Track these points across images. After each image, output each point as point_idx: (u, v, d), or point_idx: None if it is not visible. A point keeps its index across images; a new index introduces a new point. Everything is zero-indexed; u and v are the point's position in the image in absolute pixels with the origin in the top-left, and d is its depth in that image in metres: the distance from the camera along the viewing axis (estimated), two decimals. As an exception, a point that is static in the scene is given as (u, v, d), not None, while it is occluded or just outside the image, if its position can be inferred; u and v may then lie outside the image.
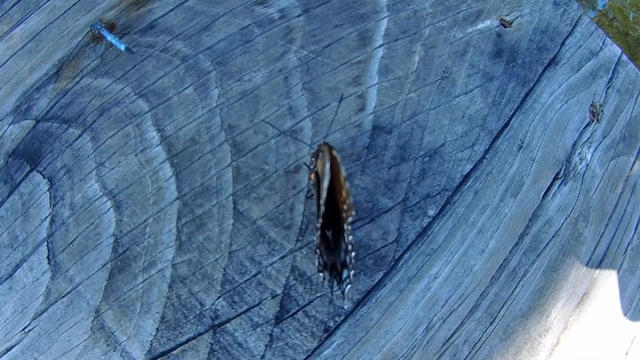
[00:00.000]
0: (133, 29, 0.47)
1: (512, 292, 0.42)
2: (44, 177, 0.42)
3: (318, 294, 0.38)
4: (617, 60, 0.51)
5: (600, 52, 0.51)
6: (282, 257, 0.39)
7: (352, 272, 0.34)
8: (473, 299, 0.40)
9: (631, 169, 0.49)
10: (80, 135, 0.44)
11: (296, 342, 0.37)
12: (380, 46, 0.48)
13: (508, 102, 0.47)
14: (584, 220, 0.45)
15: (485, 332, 0.40)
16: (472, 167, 0.44)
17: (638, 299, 0.46)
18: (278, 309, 0.37)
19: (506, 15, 0.51)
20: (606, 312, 0.43)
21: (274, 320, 0.37)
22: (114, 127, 0.44)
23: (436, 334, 0.39)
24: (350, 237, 0.33)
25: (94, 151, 0.43)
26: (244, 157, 0.43)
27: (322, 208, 0.31)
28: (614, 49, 0.52)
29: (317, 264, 0.34)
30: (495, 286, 0.41)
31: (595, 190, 0.47)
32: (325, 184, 0.30)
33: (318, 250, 0.34)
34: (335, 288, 0.37)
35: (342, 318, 0.37)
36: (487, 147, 0.44)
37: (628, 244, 0.47)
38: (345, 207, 0.32)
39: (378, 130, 0.44)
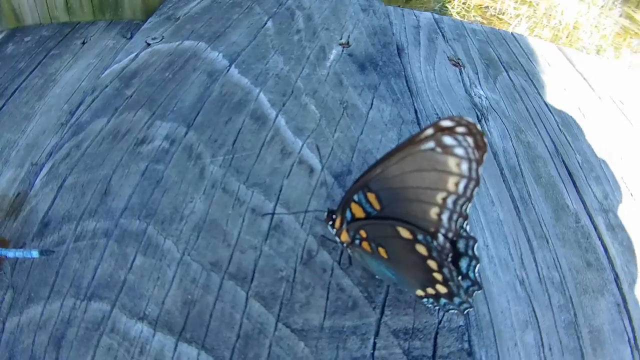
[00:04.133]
0: (27, 236, 0.40)
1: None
2: None
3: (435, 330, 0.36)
4: (434, 20, 0.64)
5: (420, 22, 0.63)
6: (377, 333, 0.36)
7: (476, 245, 0.34)
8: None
9: (511, 79, 0.59)
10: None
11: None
12: (277, 115, 0.51)
13: (383, 94, 0.56)
14: (523, 132, 0.53)
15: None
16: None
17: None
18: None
19: (341, 39, 0.59)
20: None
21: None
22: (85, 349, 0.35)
23: None
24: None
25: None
26: (255, 281, 0.38)
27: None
28: (426, 15, 0.67)
29: (462, 290, 0.33)
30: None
31: (517, 104, 0.55)
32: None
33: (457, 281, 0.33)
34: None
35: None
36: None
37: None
38: None
39: (340, 177, 0.47)
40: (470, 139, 0.28)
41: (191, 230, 0.42)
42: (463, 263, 0.34)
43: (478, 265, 0.34)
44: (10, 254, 0.38)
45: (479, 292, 0.35)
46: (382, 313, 0.38)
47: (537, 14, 1.75)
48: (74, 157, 0.46)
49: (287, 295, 0.39)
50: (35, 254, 0.38)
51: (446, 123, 0.28)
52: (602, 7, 1.80)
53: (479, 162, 0.28)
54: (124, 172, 0.45)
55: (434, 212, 0.31)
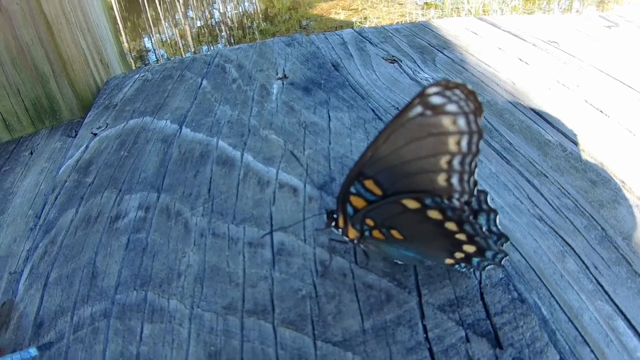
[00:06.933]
0: (23, 342, 0.36)
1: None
2: None
3: (479, 291, 0.34)
4: (357, 32, 0.68)
5: (344, 38, 0.67)
6: (423, 315, 0.34)
7: (488, 196, 0.32)
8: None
9: (448, 56, 0.61)
10: None
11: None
12: (242, 154, 0.51)
13: (336, 105, 0.57)
14: (478, 95, 0.54)
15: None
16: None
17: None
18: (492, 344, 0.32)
19: (277, 75, 0.61)
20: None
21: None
22: None
23: None
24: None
25: None
26: (277, 309, 0.35)
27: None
28: (347, 31, 0.72)
29: (490, 241, 0.30)
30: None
31: (463, 74, 0.56)
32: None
33: (483, 232, 0.30)
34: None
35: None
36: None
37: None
38: None
39: (325, 187, 0.46)
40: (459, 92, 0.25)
41: (193, 283, 0.38)
42: (482, 220, 0.32)
43: (498, 217, 0.32)
44: (8, 359, 0.33)
45: (507, 243, 0.33)
46: (419, 294, 0.35)
47: (445, 12, 1.88)
48: (51, 254, 0.43)
49: (315, 312, 0.35)
50: (33, 352, 0.34)
51: (432, 90, 0.25)
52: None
53: (477, 112, 0.26)
54: (107, 251, 0.42)
55: (441, 178, 0.28)
